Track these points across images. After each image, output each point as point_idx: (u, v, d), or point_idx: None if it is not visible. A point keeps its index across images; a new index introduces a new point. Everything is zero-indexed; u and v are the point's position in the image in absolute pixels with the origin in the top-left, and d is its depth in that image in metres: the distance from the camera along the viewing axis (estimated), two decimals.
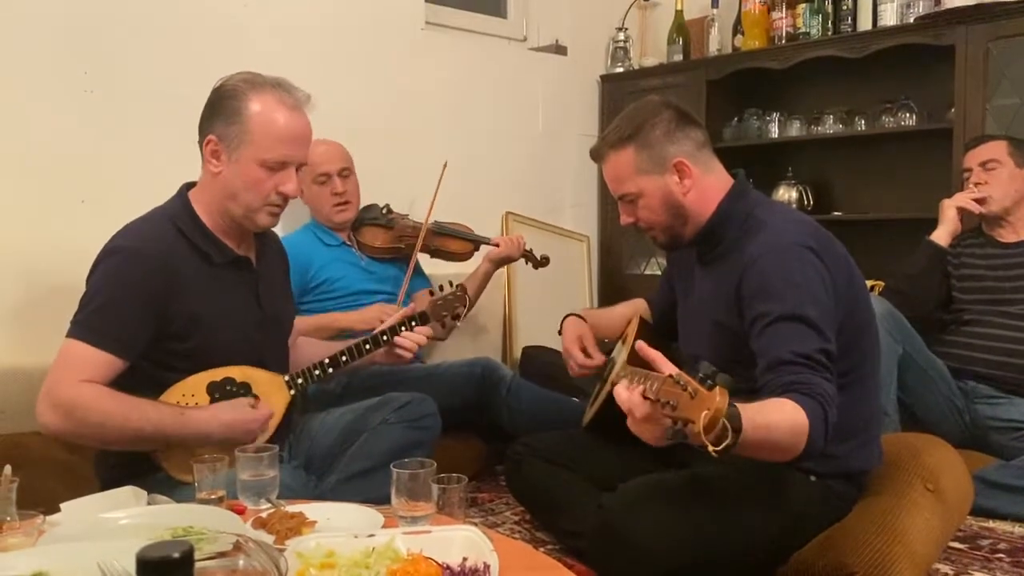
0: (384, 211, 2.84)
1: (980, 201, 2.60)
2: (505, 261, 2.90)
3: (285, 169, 1.79)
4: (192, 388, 1.78)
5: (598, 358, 2.08)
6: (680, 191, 1.76)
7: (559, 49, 3.83)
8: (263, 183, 1.78)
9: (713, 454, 1.20)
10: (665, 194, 1.77)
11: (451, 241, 2.87)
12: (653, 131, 1.76)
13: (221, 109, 1.78)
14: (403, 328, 2.05)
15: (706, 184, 1.78)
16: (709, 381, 1.21)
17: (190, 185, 1.89)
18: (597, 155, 1.85)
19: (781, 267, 1.60)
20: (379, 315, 2.45)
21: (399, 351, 2.04)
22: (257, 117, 1.75)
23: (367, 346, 2.01)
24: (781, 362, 1.51)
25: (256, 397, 1.84)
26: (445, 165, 2.73)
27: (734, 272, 1.68)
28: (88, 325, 1.69)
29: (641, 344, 1.39)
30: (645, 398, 1.29)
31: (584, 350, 2.08)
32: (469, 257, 2.91)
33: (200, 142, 1.82)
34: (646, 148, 1.76)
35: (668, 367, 1.31)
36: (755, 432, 1.33)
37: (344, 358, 1.98)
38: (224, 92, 1.79)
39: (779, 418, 1.40)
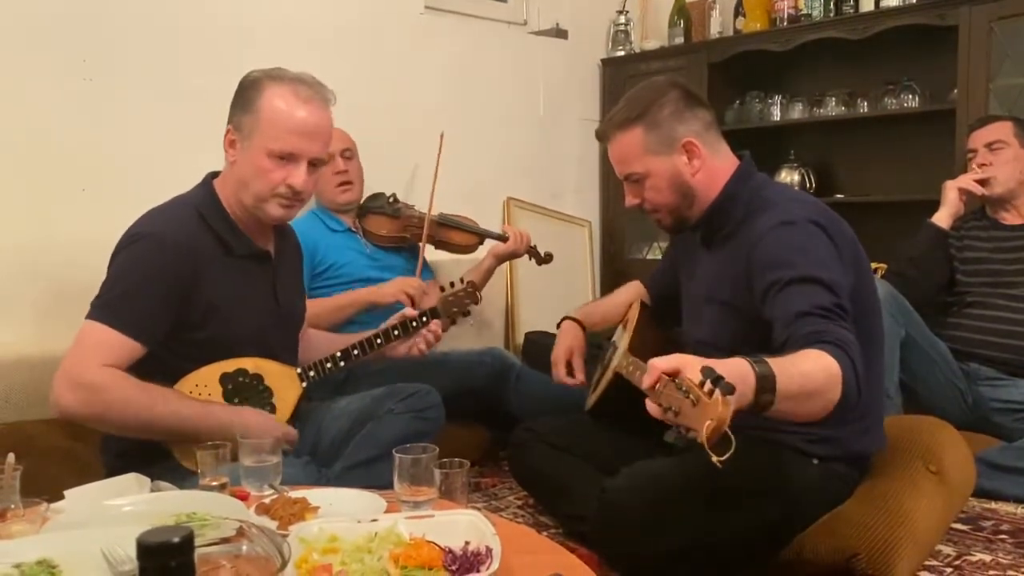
0: (390, 200, 2.84)
1: (983, 183, 2.59)
2: (510, 257, 2.89)
3: (295, 162, 1.78)
4: (205, 379, 1.78)
5: (579, 379, 2.11)
6: (689, 172, 1.75)
7: (559, 33, 3.81)
8: (271, 173, 1.77)
9: (717, 464, 1.15)
10: (673, 175, 1.76)
11: (456, 233, 2.87)
12: (662, 111, 1.75)
13: (239, 99, 1.80)
14: (415, 324, 2.05)
15: (713, 165, 1.77)
16: (708, 384, 1.16)
17: (215, 174, 1.89)
18: (603, 135, 1.84)
19: (791, 240, 1.60)
20: (402, 287, 2.51)
21: (421, 344, 2.06)
22: (268, 106, 1.76)
23: (378, 340, 2.01)
24: (799, 315, 1.47)
25: (271, 391, 1.85)
26: (442, 136, 2.72)
27: (741, 251, 1.67)
28: (111, 309, 1.69)
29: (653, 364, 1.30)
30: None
31: (569, 364, 2.10)
32: (474, 250, 2.91)
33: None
34: (655, 128, 1.75)
35: (688, 367, 1.24)
36: (790, 381, 1.29)
37: (356, 352, 1.99)
38: (244, 83, 1.81)
39: (810, 366, 1.35)
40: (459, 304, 2.16)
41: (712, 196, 1.77)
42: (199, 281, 1.75)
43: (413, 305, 2.39)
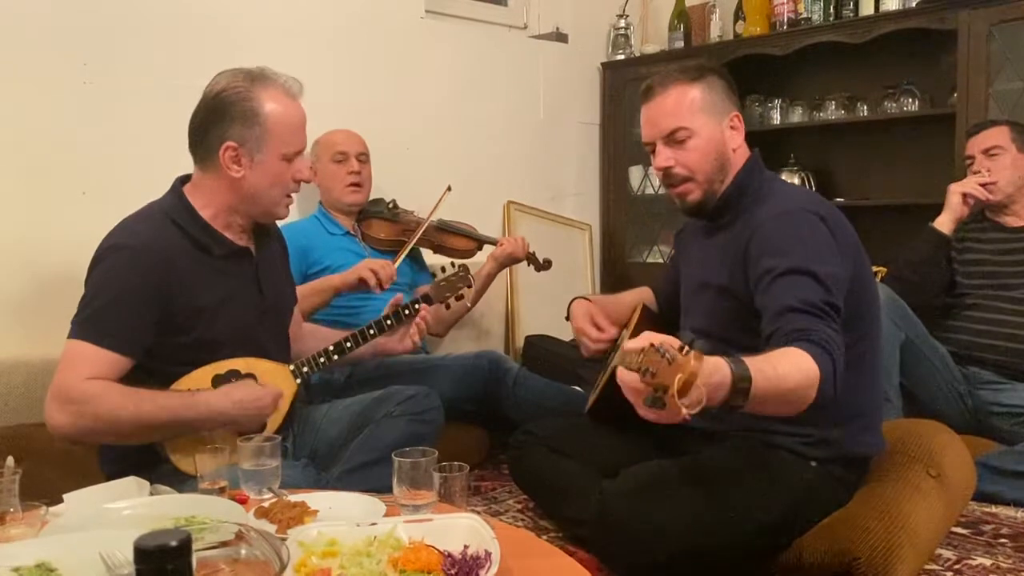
0: (390, 206, 2.86)
1: (987, 187, 2.57)
2: (509, 261, 2.89)
3: (299, 157, 1.84)
4: (196, 383, 1.78)
5: (611, 331, 2.06)
6: (731, 144, 1.78)
7: (560, 36, 3.82)
8: (284, 175, 1.82)
9: (687, 417, 1.21)
10: (719, 141, 1.77)
11: (455, 238, 2.88)
12: (720, 80, 1.79)
13: (234, 114, 1.76)
14: (407, 312, 2.05)
15: (743, 151, 1.81)
16: (686, 347, 1.23)
17: (184, 179, 1.87)
18: (659, 86, 1.79)
19: (790, 228, 1.62)
20: (366, 264, 2.44)
21: (415, 336, 2.05)
22: (274, 114, 1.77)
23: (371, 331, 2.01)
24: (787, 310, 1.49)
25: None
26: (448, 189, 2.74)
27: (741, 237, 1.68)
28: (91, 324, 1.68)
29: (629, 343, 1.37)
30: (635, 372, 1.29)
31: (596, 325, 2.07)
32: (472, 255, 2.92)
33: (208, 147, 1.79)
34: (713, 92, 1.78)
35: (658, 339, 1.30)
36: (767, 383, 1.32)
37: (349, 344, 1.98)
38: (231, 97, 1.77)
39: (788, 368, 1.38)
40: (452, 288, 2.16)
41: (727, 181, 1.79)
42: (179, 286, 1.74)
43: (379, 284, 2.36)
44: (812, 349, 1.40)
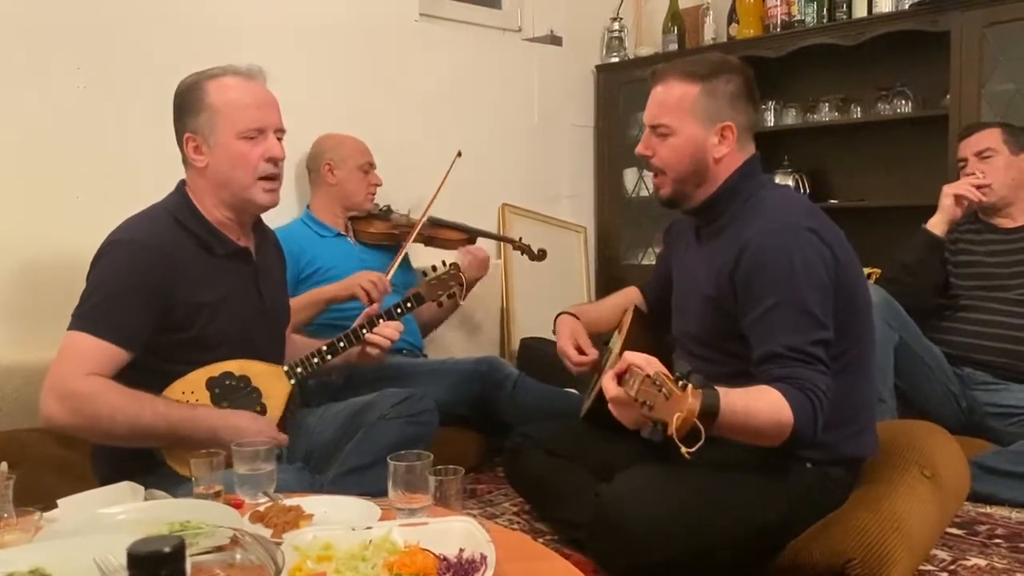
0: (384, 209, 2.90)
1: (980, 189, 2.58)
2: (473, 280, 2.74)
3: (264, 136, 1.82)
4: (191, 385, 1.78)
5: (592, 354, 2.08)
6: (713, 153, 1.76)
7: (554, 39, 3.82)
8: (248, 155, 1.81)
9: (686, 455, 1.23)
10: (698, 147, 1.75)
11: (446, 231, 2.92)
12: (725, 85, 1.75)
13: (186, 105, 1.83)
14: (399, 311, 2.05)
15: (733, 160, 1.77)
16: (683, 382, 1.26)
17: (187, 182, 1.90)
18: (659, 75, 1.81)
19: (780, 250, 1.61)
20: (360, 280, 2.44)
21: (369, 349, 2.02)
22: (220, 96, 1.80)
23: (364, 330, 2.01)
24: (774, 356, 1.55)
25: (259, 391, 1.84)
26: (459, 154, 2.77)
27: (730, 249, 1.68)
28: (92, 317, 1.69)
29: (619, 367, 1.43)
30: (628, 395, 1.35)
31: (578, 348, 2.08)
32: (464, 246, 2.93)
33: (180, 145, 1.85)
34: (709, 96, 1.74)
35: (653, 367, 1.36)
36: (733, 416, 1.40)
37: (342, 344, 1.98)
38: (182, 90, 1.85)
39: (760, 407, 1.46)
40: (443, 287, 2.17)
41: (716, 186, 1.78)
42: (180, 283, 1.75)
43: (370, 302, 2.34)
44: (792, 395, 1.48)
